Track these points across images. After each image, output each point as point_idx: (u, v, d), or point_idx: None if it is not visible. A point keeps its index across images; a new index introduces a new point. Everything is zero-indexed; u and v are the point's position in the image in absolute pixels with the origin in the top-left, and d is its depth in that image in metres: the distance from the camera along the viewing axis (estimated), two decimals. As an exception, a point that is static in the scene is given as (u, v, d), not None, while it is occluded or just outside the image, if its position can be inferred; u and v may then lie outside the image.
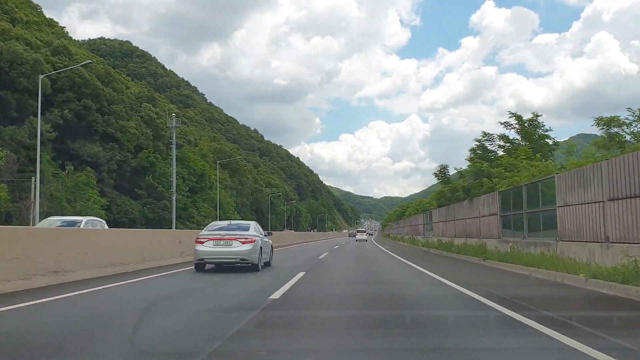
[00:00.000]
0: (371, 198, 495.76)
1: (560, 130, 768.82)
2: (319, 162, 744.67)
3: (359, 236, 57.69)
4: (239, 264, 13.04)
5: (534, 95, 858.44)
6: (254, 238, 13.15)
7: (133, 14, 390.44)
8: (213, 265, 13.53)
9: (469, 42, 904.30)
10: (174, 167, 50.01)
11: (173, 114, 56.74)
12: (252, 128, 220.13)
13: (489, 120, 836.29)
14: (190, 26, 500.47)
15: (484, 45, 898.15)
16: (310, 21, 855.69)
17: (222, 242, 12.83)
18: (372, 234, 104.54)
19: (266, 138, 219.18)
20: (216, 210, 68.00)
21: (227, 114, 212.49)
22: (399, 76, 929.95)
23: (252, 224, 14.40)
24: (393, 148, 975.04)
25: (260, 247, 13.40)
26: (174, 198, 50.15)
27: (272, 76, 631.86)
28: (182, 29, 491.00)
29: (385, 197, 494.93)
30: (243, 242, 12.84)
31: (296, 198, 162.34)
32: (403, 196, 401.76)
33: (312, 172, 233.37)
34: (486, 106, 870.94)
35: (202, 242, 12.93)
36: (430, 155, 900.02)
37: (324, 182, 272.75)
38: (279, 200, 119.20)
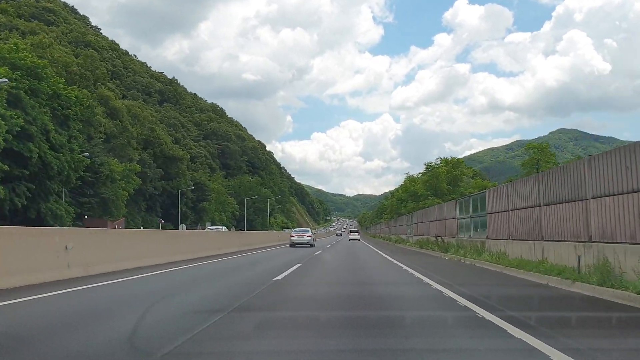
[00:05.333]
0: (343, 196, 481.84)
1: (530, 130, 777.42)
2: (290, 161, 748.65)
3: (351, 236, 63.59)
4: (306, 245, 31.61)
5: (505, 94, 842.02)
6: (311, 234, 34.47)
7: (91, 2, 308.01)
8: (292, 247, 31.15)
9: (442, 39, 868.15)
10: None
11: None
12: (161, 72, 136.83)
13: (460, 120, 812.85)
14: (153, 16, 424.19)
15: (457, 42, 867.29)
16: (281, 15, 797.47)
17: (299, 236, 33.12)
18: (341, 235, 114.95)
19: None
20: None
21: (112, 40, 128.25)
22: (371, 74, 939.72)
23: (309, 229, 39.63)
24: (365, 147, 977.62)
25: (313, 238, 34.34)
26: None
27: (240, 70, 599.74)
28: (145, 18, 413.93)
29: (359, 194, 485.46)
30: (308, 236, 33.15)
31: (198, 164, 79.86)
32: (377, 194, 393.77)
33: (252, 137, 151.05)
34: (458, 105, 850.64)
35: (292, 236, 33.42)
36: (402, 155, 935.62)
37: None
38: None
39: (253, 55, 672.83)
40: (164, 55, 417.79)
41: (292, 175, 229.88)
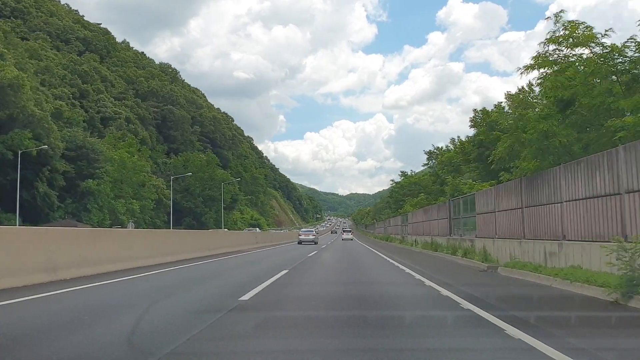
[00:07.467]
0: (336, 195, 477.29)
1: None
2: (283, 161, 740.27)
3: (345, 235, 64.60)
4: (311, 243, 39.03)
5: (499, 93, 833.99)
6: (315, 233, 44.88)
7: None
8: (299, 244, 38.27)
9: (436, 38, 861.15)
10: None
11: None
12: (99, 23, 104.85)
13: (453, 119, 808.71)
14: (143, 13, 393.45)
15: (451, 41, 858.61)
16: (274, 13, 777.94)
17: (306, 235, 42.14)
18: (336, 232, 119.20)
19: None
20: None
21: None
22: (364, 73, 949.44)
23: (313, 230, 53.75)
24: (358, 147, 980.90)
25: (317, 236, 44.83)
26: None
27: (232, 68, 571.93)
28: (135, 15, 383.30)
29: (352, 194, 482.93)
30: (312, 235, 42.50)
31: (113, 128, 47.17)
32: (370, 193, 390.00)
33: (211, 105, 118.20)
34: (451, 105, 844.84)
35: (300, 235, 42.50)
36: (395, 155, 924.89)
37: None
38: None
39: (245, 53, 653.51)
40: (155, 52, 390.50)
41: (277, 167, 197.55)
